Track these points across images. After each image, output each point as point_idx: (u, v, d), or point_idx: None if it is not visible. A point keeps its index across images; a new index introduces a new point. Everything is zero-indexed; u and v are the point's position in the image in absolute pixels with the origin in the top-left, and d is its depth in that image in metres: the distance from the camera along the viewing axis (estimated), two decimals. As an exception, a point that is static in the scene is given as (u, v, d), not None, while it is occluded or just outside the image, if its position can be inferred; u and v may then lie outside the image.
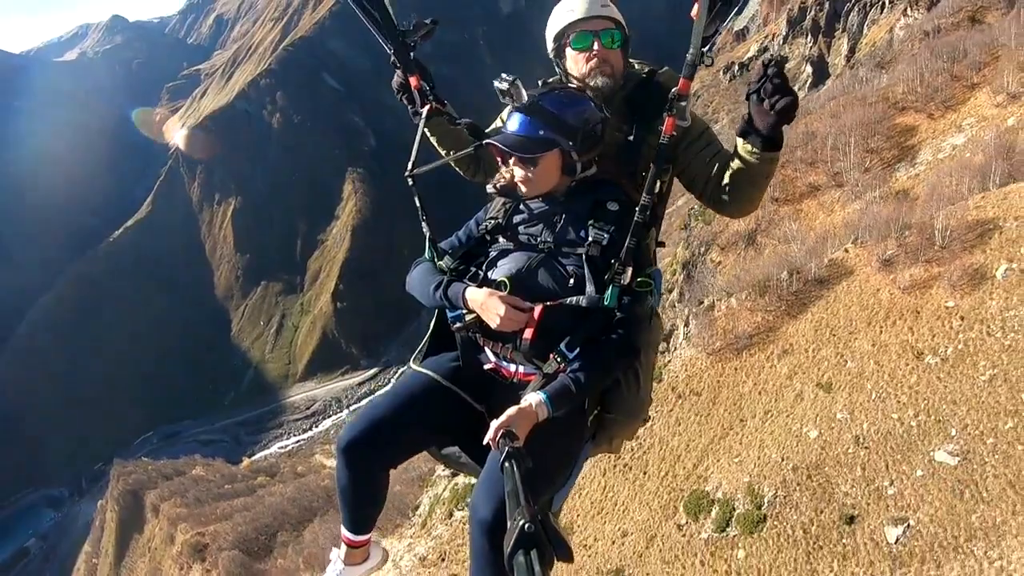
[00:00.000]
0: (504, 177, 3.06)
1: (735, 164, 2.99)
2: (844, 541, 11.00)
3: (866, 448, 11.63)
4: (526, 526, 1.60)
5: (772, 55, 2.75)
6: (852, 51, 55.36)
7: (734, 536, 12.36)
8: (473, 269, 3.07)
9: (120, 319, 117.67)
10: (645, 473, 15.20)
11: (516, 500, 1.79)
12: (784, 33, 69.88)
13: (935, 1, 43.15)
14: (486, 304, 2.80)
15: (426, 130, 3.49)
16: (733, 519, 12.51)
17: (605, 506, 15.60)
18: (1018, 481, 9.94)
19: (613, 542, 14.58)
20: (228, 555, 43.37)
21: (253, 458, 73.42)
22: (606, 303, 2.75)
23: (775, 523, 11.89)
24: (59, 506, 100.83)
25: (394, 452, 3.03)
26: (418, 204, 3.30)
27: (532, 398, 2.56)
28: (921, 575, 9.93)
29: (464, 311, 2.92)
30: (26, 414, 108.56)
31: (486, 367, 3.01)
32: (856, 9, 61.10)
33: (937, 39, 31.25)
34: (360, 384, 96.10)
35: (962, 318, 12.26)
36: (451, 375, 3.05)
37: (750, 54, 74.86)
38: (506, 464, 2.08)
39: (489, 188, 3.14)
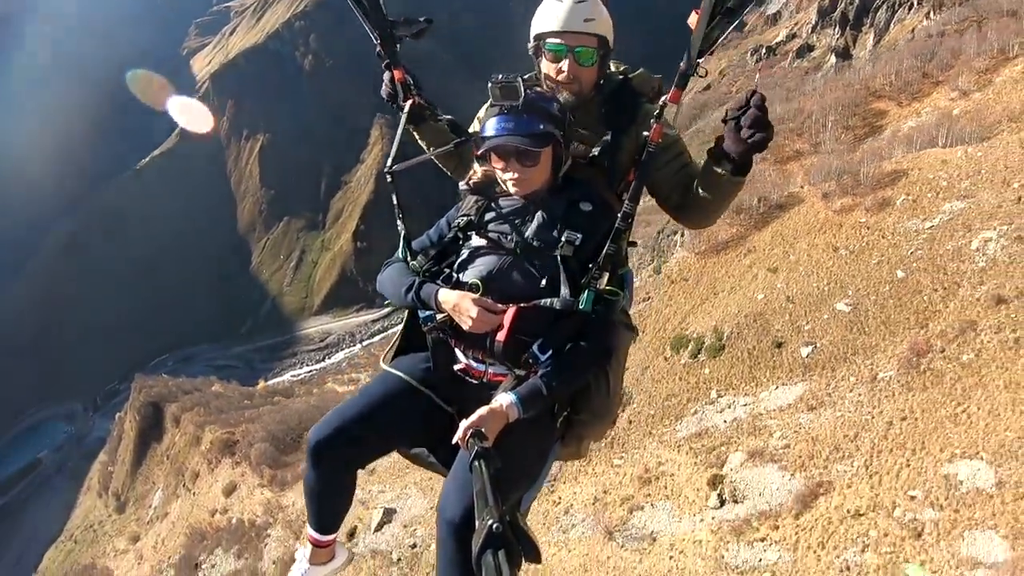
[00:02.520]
0: (477, 174, 3.20)
1: (703, 182, 3.12)
2: (774, 358, 17.21)
3: (793, 303, 17.83)
4: (494, 526, 1.66)
5: (756, 87, 2.94)
6: (876, 46, 55.30)
7: (703, 360, 18.56)
8: (446, 270, 3.07)
9: (140, 246, 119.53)
10: (643, 329, 21.40)
11: (484, 500, 1.85)
12: (814, 22, 69.94)
13: (955, 3, 45.73)
14: (458, 306, 2.83)
15: (409, 126, 3.59)
16: (703, 349, 18.70)
17: (613, 354, 21.92)
18: (888, 322, 16.04)
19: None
20: (258, 447, 43.42)
21: (268, 382, 74.40)
22: (581, 307, 2.78)
23: (730, 350, 18.10)
24: (73, 421, 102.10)
25: (363, 452, 3.10)
26: (395, 201, 3.37)
27: (503, 399, 2.62)
28: (823, 376, 16.06)
29: (436, 312, 2.97)
30: (44, 335, 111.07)
31: (456, 368, 3.06)
32: (885, 7, 61.21)
33: (928, 40, 36.96)
34: (374, 321, 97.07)
35: (868, 228, 18.38)
36: (421, 376, 3.12)
37: (779, 38, 75.24)
38: (475, 464, 2.16)
39: (462, 186, 3.25)
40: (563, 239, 2.86)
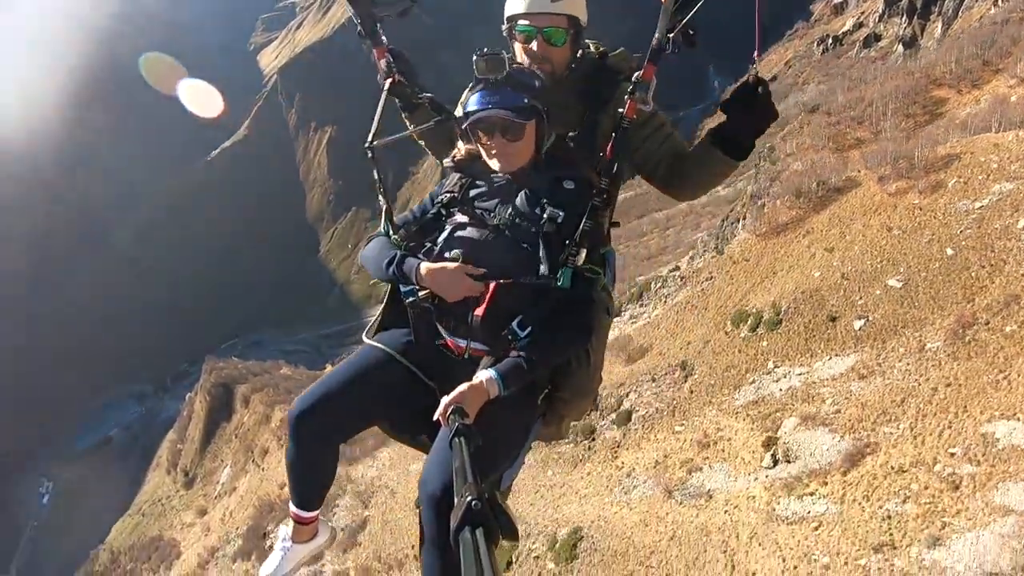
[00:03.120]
0: (461, 152, 3.20)
1: (698, 161, 3.26)
2: (828, 331, 18.17)
3: (847, 280, 18.73)
4: (473, 503, 1.64)
5: (755, 72, 2.99)
6: (944, 36, 54.24)
7: (761, 333, 19.59)
8: (428, 244, 3.09)
9: (211, 233, 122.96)
10: (706, 308, 22.53)
11: (464, 477, 1.84)
12: (881, 11, 68.99)
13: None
14: (438, 275, 2.87)
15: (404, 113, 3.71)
16: (761, 323, 19.72)
17: (675, 331, 23.02)
18: (936, 297, 16.88)
19: (680, 348, 21.95)
20: None
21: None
22: (559, 283, 2.81)
23: (787, 324, 19.09)
24: (143, 401, 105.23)
25: (344, 426, 3.12)
26: (376, 177, 3.41)
27: (483, 375, 2.64)
28: (873, 347, 16.99)
29: (417, 287, 2.97)
30: (117, 317, 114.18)
31: (438, 343, 3.08)
32: None
33: (991, 28, 37.07)
34: None
35: (920, 208, 19.16)
36: (403, 350, 3.12)
37: (846, 28, 74.30)
38: (455, 440, 2.13)
39: (446, 162, 3.27)
40: (545, 216, 2.90)
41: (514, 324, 2.79)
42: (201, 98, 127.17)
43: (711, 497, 16.03)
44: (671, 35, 2.90)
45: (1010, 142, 19.84)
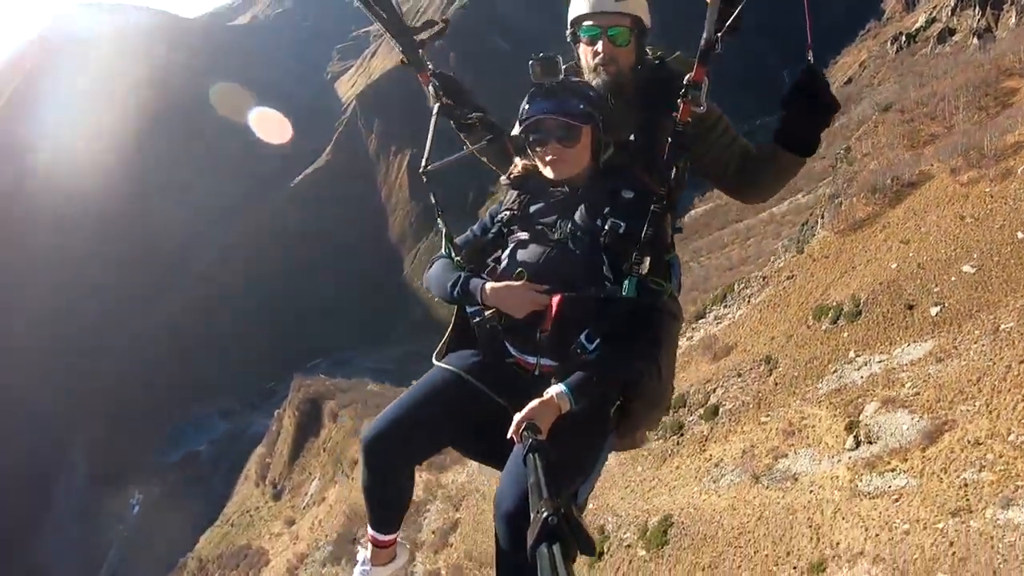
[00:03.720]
0: (518, 167, 3.28)
1: (765, 163, 3.28)
2: (906, 319, 18.80)
3: (923, 269, 19.33)
4: (549, 519, 1.63)
5: (808, 63, 2.96)
6: (1019, 24, 52.57)
7: (841, 325, 20.29)
8: (491, 264, 3.16)
9: (297, 256, 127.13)
10: (788, 305, 23.28)
11: (539, 493, 1.84)
12: (953, 4, 66.10)
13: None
14: (503, 294, 2.92)
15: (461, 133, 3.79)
16: (841, 316, 20.42)
17: (759, 328, 23.80)
18: (1009, 280, 17.41)
19: (764, 344, 22.73)
20: None
21: None
22: (624, 294, 2.83)
23: (866, 314, 19.76)
24: (230, 418, 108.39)
25: (417, 449, 3.14)
26: (433, 200, 3.43)
27: (554, 390, 2.66)
28: (950, 332, 17.59)
29: (483, 306, 3.01)
30: (204, 336, 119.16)
31: (507, 361, 3.11)
32: None
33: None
34: None
35: (991, 196, 19.65)
36: (473, 370, 3.14)
37: (919, 24, 72.09)
38: (529, 457, 2.15)
39: (503, 180, 3.36)
40: (606, 227, 2.90)
41: (582, 338, 2.84)
42: (270, 125, 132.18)
43: (796, 480, 16.81)
44: (719, 34, 2.84)
45: (1078, 126, 20.27)
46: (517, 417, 2.52)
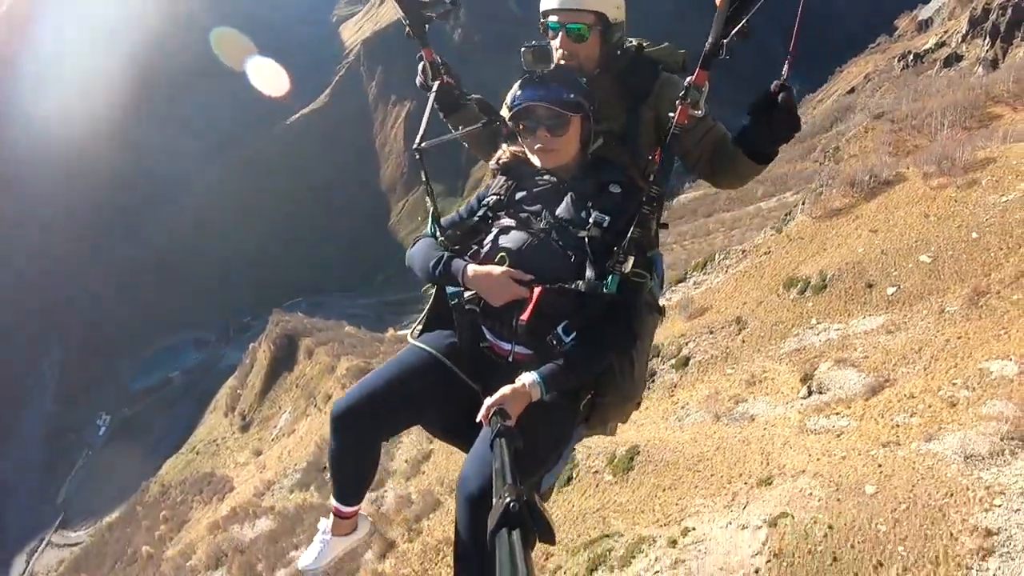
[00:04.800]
0: (507, 153, 3.39)
1: (728, 163, 3.37)
2: (865, 296, 21.31)
3: (885, 255, 21.83)
4: (511, 504, 1.67)
5: (782, 80, 2.95)
6: None
7: (807, 296, 22.76)
8: (474, 247, 3.25)
9: (284, 194, 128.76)
10: (762, 276, 25.73)
11: (503, 478, 1.89)
12: (964, 31, 67.88)
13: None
14: (484, 279, 2.98)
15: (441, 113, 3.80)
16: (808, 288, 22.88)
17: (734, 294, 26.29)
18: (959, 271, 19.91)
19: (737, 307, 25.19)
20: None
21: (397, 332, 73.65)
22: (606, 290, 2.90)
23: (830, 289, 22.24)
24: (204, 349, 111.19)
25: (386, 424, 3.26)
26: (424, 178, 3.54)
27: (526, 378, 2.72)
28: (902, 310, 20.09)
29: (463, 288, 3.11)
30: (186, 264, 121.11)
31: (482, 345, 3.22)
32: None
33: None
34: None
35: (955, 200, 22.15)
36: (447, 351, 3.26)
37: (928, 45, 73.93)
38: (496, 442, 2.20)
39: (492, 164, 3.46)
40: (591, 220, 2.96)
41: (559, 329, 2.88)
42: (268, 76, 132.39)
43: (753, 420, 19.21)
44: (725, 40, 2.84)
45: (1042, 148, 22.86)
46: (487, 401, 2.58)
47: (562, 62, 3.37)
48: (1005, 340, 16.55)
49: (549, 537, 1.72)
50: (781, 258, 25.86)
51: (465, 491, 2.51)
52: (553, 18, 3.39)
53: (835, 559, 11.72)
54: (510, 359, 3.10)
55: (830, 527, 12.42)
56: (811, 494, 13.71)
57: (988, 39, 62.49)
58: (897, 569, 10.93)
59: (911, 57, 74.01)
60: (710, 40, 2.86)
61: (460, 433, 3.28)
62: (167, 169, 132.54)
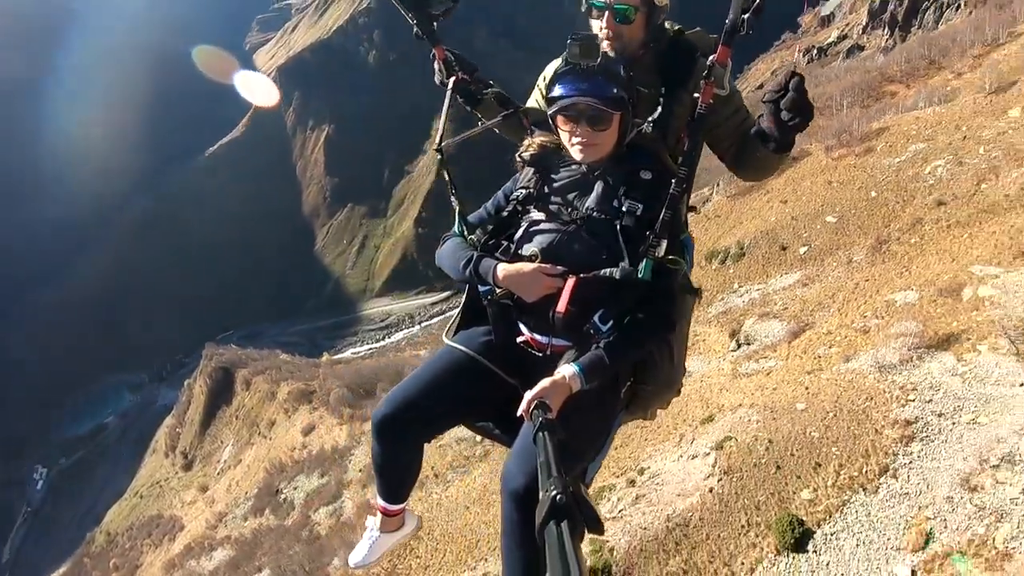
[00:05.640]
0: (534, 145, 3.19)
1: (749, 156, 3.26)
2: (780, 257, 23.21)
3: (796, 220, 23.79)
4: (557, 497, 1.66)
5: (794, 68, 3.02)
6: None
7: (728, 264, 24.57)
8: (504, 243, 3.10)
9: (208, 227, 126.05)
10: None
11: (548, 471, 1.85)
12: (864, 23, 71.51)
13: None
14: (516, 277, 2.88)
15: (468, 107, 3.67)
16: (728, 257, 24.70)
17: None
18: (862, 226, 21.89)
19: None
20: (336, 392, 44.18)
21: (332, 356, 74.77)
22: (640, 276, 2.79)
23: (749, 256, 24.10)
24: (139, 390, 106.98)
25: (428, 427, 3.15)
26: (447, 177, 3.33)
27: (565, 370, 2.65)
28: (814, 265, 21.93)
29: (494, 286, 2.98)
30: (113, 306, 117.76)
31: (519, 340, 3.10)
32: (933, 8, 62.88)
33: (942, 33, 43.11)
34: (433, 304, 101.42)
35: (855, 167, 24.26)
36: (484, 349, 3.15)
37: (830, 39, 77.40)
38: (539, 435, 2.15)
39: (519, 157, 3.25)
40: (624, 209, 2.91)
41: (596, 318, 2.82)
42: (257, 88, 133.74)
43: (690, 375, 20.66)
44: (746, 16, 2.80)
45: (928, 115, 25.28)
46: (528, 395, 2.53)
47: (605, 42, 3.21)
48: (907, 276, 18.40)
49: (597, 527, 1.74)
50: (702, 235, 27.65)
51: (510, 487, 2.53)
52: None
53: (778, 467, 13.02)
54: (548, 352, 3.00)
55: (770, 441, 13.74)
56: (750, 420, 15.08)
57: (887, 29, 66.37)
58: (834, 466, 12.29)
59: (815, 51, 77.12)
60: (730, 17, 2.83)
61: (503, 429, 3.23)
62: (87, 207, 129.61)
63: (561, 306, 2.78)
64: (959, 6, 59.80)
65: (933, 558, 9.61)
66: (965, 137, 22.56)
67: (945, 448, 11.31)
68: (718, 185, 29.71)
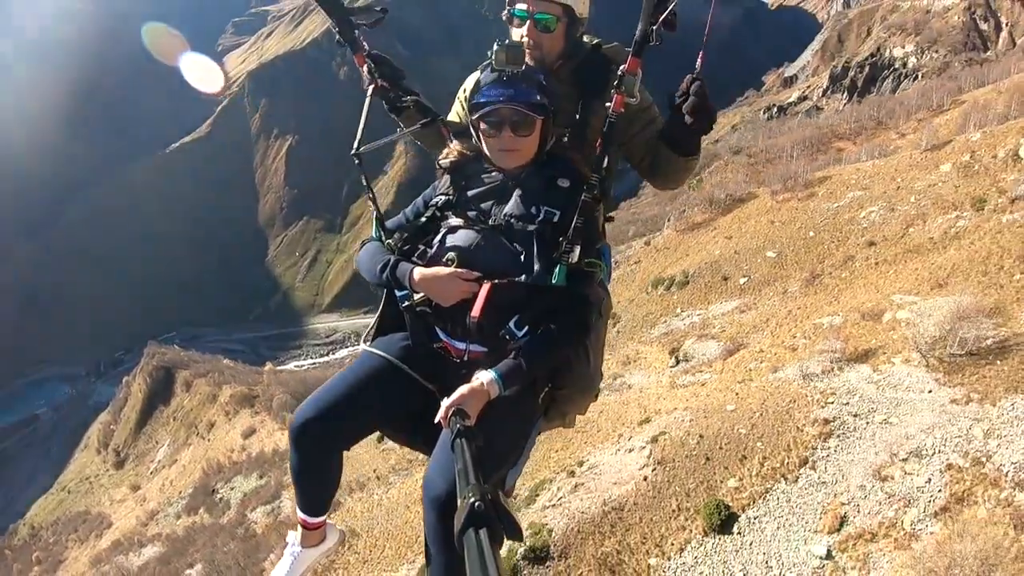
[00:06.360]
0: (454, 152, 3.22)
1: (660, 162, 3.28)
2: (721, 286, 24.72)
3: (738, 254, 25.38)
4: (476, 504, 1.67)
5: (694, 73, 2.96)
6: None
7: (673, 291, 25.98)
8: (422, 248, 3.10)
9: (160, 224, 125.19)
10: (634, 280, 28.97)
11: (466, 478, 1.87)
12: (825, 87, 75.21)
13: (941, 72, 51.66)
14: (432, 281, 2.89)
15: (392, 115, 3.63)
16: (673, 284, 26.11)
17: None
18: (799, 261, 23.50)
19: (612, 307, 28.20)
20: (280, 397, 44.64)
21: (275, 367, 73.50)
22: (554, 281, 2.80)
23: (692, 284, 25.55)
24: (75, 383, 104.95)
25: (346, 433, 3.07)
26: (364, 182, 3.40)
27: (483, 376, 2.64)
28: (752, 294, 23.39)
29: (412, 291, 2.97)
30: (56, 295, 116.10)
31: (436, 346, 3.09)
32: (891, 77, 67.68)
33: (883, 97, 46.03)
34: None
35: (796, 209, 26.00)
36: (402, 355, 3.11)
37: (791, 99, 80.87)
38: (457, 442, 2.16)
39: (438, 163, 3.27)
40: (540, 216, 2.92)
41: (511, 324, 2.84)
42: (203, 73, 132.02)
43: (631, 387, 21.86)
44: (654, 27, 2.86)
45: (867, 167, 27.29)
46: (445, 402, 2.54)
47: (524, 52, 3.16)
48: (835, 304, 19.96)
49: (516, 534, 1.73)
50: (650, 264, 29.17)
51: (430, 494, 2.50)
52: (521, 6, 3.28)
53: (708, 459, 14.17)
54: (465, 358, 3.01)
55: (701, 436, 14.91)
56: (683, 419, 16.25)
57: (846, 94, 69.78)
58: (759, 458, 13.48)
59: (775, 109, 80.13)
60: (640, 28, 2.88)
61: (421, 436, 3.15)
62: (38, 194, 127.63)
63: (476, 311, 2.80)
64: (917, 77, 63.30)
65: (847, 539, 10.71)
66: (899, 187, 24.42)
67: (859, 444, 12.52)
68: (669, 220, 31.30)
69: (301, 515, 3.40)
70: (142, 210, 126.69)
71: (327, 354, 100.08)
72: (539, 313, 2.81)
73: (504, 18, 3.36)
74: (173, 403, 57.42)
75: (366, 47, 3.46)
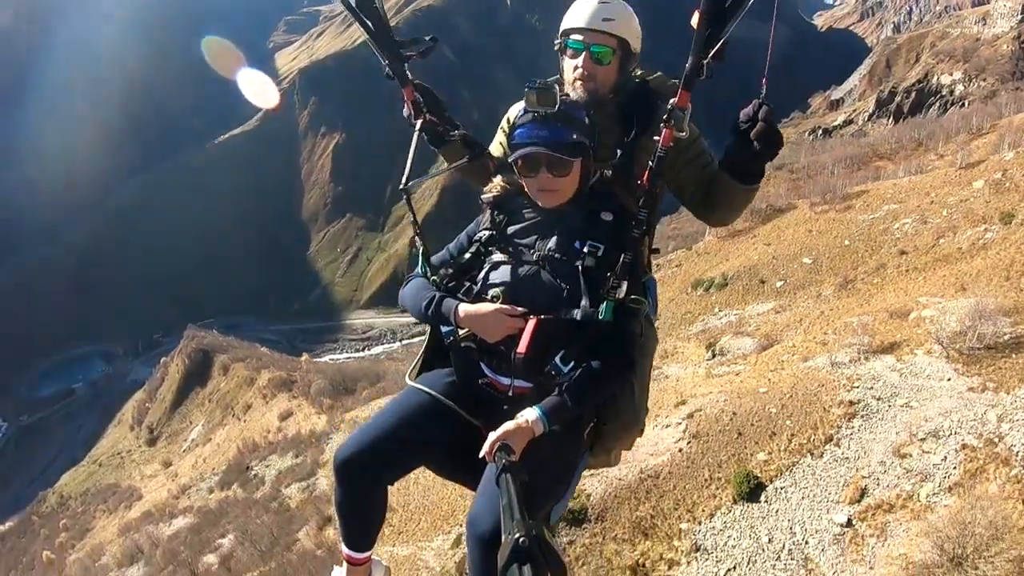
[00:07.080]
0: (497, 187, 3.20)
1: (718, 191, 3.21)
2: (758, 289, 25.99)
3: (775, 259, 26.63)
4: (520, 540, 1.67)
5: (761, 97, 2.89)
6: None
7: (712, 292, 27.29)
8: (467, 284, 3.10)
9: (207, 212, 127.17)
10: (675, 281, 30.30)
11: (511, 514, 1.86)
12: (871, 111, 75.42)
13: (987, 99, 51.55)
14: (477, 317, 2.88)
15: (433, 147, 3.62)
16: (712, 286, 27.43)
17: (648, 296, 30.75)
18: (833, 268, 24.74)
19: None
20: (318, 384, 45.39)
21: (312, 358, 73.13)
22: (601, 317, 2.77)
23: (731, 286, 26.86)
24: (112, 361, 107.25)
25: (390, 469, 3.08)
26: (412, 217, 3.31)
27: (528, 413, 2.62)
28: (788, 297, 24.69)
29: (456, 327, 2.97)
30: (101, 277, 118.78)
31: (481, 382, 3.04)
32: (938, 104, 68.06)
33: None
34: (416, 323, 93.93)
35: (833, 220, 27.27)
36: (447, 391, 3.08)
37: (836, 122, 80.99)
38: (502, 478, 2.17)
39: (482, 198, 3.24)
40: (585, 250, 2.89)
41: (556, 360, 2.81)
42: (258, 87, 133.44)
43: (668, 377, 23.14)
44: (706, 61, 2.81)
45: (904, 183, 28.59)
46: (490, 437, 2.53)
47: (578, 81, 3.29)
48: (865, 306, 21.15)
49: (560, 570, 1.70)
50: (691, 267, 30.53)
51: (476, 531, 2.53)
52: (577, 37, 3.28)
53: (740, 434, 15.38)
54: (510, 393, 2.95)
55: (734, 414, 16.14)
56: (717, 400, 17.52)
57: (892, 119, 69.34)
58: (787, 435, 14.65)
59: (820, 131, 79.48)
60: (690, 61, 2.82)
61: (466, 471, 3.11)
62: (95, 176, 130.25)
63: (522, 347, 2.78)
64: (963, 104, 62.62)
65: (867, 509, 11.70)
66: (932, 201, 25.62)
67: (881, 424, 13.59)
68: (709, 228, 32.65)
69: (346, 551, 3.38)
70: (188, 198, 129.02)
71: (363, 349, 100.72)
72: (584, 349, 2.81)
73: (556, 48, 3.38)
74: (210, 385, 58.07)
75: (411, 78, 3.47)
